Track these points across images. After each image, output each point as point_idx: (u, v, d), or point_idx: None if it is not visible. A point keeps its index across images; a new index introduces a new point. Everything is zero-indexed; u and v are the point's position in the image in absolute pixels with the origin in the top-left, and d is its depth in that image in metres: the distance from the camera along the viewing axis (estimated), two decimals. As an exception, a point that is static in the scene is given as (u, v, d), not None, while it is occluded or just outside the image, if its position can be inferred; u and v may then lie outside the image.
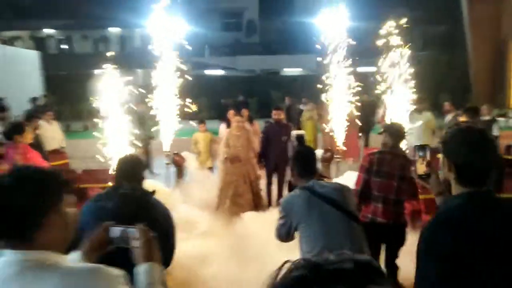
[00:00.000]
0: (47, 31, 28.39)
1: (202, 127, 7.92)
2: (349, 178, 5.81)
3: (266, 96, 19.21)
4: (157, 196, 2.45)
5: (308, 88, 10.93)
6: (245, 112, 8.15)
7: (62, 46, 29.22)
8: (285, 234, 2.74)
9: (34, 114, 6.89)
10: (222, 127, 8.35)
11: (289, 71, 27.33)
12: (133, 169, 2.46)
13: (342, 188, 2.79)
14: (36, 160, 4.54)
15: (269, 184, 6.96)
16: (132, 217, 2.17)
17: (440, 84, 14.75)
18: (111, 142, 4.80)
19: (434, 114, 8.62)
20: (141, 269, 1.39)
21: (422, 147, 2.07)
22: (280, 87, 20.07)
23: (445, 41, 16.97)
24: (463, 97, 13.77)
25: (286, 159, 6.36)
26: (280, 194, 6.73)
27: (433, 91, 11.82)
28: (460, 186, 1.64)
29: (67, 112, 18.09)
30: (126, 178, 2.40)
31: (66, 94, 18.82)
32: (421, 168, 2.02)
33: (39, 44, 26.32)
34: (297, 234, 2.73)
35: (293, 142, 7.12)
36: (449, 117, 8.21)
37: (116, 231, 1.44)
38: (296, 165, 2.84)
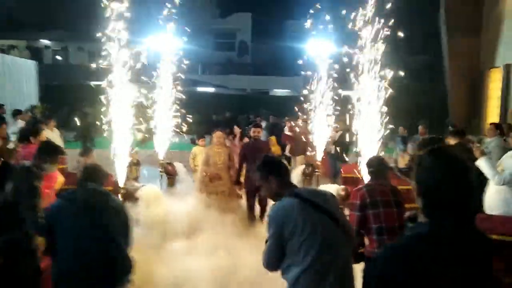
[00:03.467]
0: (44, 41, 28.88)
1: (202, 141, 7.73)
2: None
3: (256, 114, 19.87)
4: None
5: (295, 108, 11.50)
6: (237, 129, 8.33)
7: (58, 57, 29.66)
8: (276, 258, 2.35)
9: (39, 121, 7.33)
10: None
11: (278, 91, 28.18)
12: (95, 172, 3.13)
13: (331, 198, 2.56)
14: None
15: (251, 205, 6.34)
16: (102, 206, 2.90)
17: (420, 112, 15.57)
18: (113, 147, 5.27)
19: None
20: None
21: (403, 140, 2.28)
22: (269, 106, 20.77)
23: (426, 71, 18.03)
24: (442, 123, 14.74)
25: None
26: (263, 213, 6.07)
27: (414, 118, 12.59)
28: (427, 215, 1.47)
29: (60, 121, 18.29)
30: (90, 179, 3.04)
31: (60, 104, 19.19)
32: (402, 161, 2.12)
33: (35, 54, 26.76)
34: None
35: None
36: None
37: None
38: (274, 175, 2.55)
